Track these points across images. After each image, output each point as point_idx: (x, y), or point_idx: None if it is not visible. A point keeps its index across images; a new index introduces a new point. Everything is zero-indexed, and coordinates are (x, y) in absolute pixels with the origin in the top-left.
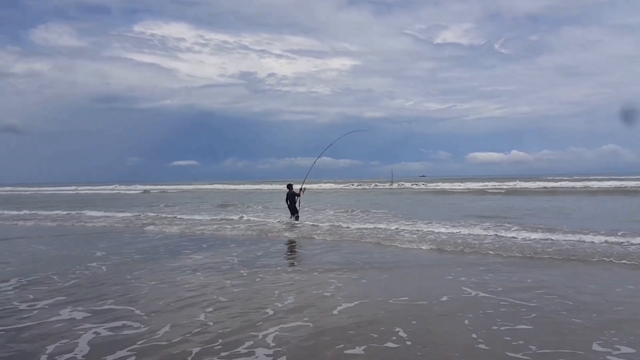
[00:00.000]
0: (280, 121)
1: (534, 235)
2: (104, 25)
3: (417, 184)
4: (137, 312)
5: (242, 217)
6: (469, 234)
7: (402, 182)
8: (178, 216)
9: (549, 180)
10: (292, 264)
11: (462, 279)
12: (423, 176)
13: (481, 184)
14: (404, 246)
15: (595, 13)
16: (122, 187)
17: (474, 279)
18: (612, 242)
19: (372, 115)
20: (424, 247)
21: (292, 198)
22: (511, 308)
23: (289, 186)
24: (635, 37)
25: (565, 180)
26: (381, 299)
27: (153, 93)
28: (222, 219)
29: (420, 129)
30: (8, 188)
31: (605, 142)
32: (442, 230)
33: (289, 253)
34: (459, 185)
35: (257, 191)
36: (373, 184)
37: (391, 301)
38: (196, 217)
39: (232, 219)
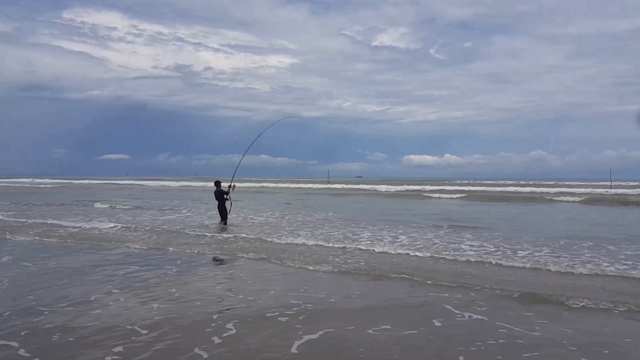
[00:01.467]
0: (217, 116)
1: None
2: (30, 10)
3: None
4: None
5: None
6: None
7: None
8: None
9: (471, 185)
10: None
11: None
12: (359, 177)
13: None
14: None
15: (523, 23)
16: (46, 180)
17: None
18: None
19: (310, 115)
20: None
21: (220, 197)
22: None
23: (217, 183)
24: (560, 47)
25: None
26: None
27: (82, 83)
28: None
29: (358, 129)
30: None
31: (533, 148)
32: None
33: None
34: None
35: (191, 188)
36: (309, 184)
37: None
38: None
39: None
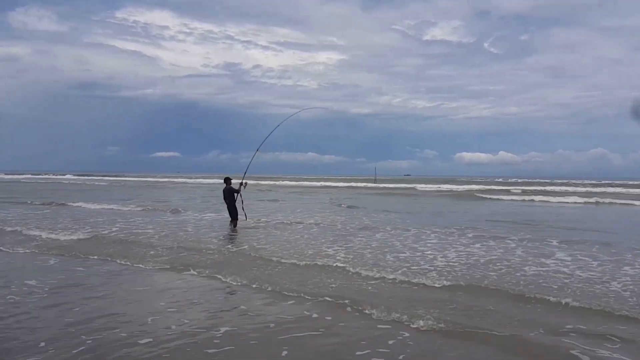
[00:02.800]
0: (265, 114)
1: None
2: (85, 10)
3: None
4: None
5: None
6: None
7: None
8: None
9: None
10: None
11: None
12: (407, 175)
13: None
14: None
15: (583, 14)
16: (94, 177)
17: None
18: None
19: (358, 111)
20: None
21: (230, 196)
22: None
23: (226, 180)
24: (621, 39)
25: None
26: None
27: (134, 81)
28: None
29: (407, 126)
30: None
31: (594, 146)
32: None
33: None
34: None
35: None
36: (352, 182)
37: None
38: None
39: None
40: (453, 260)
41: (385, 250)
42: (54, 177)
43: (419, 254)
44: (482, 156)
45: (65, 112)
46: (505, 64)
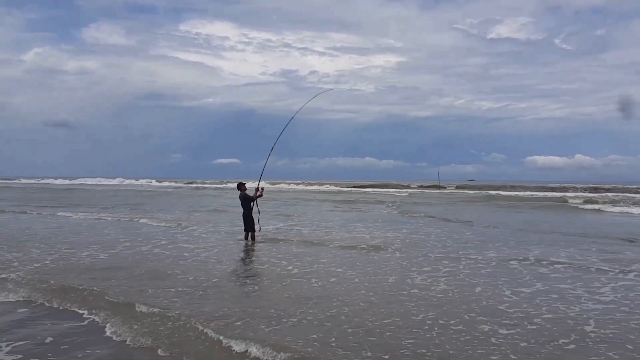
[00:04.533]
0: (321, 120)
1: None
2: (151, 24)
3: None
4: None
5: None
6: None
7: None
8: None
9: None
10: None
11: None
12: (471, 180)
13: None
14: None
15: None
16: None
17: None
18: None
19: (417, 115)
20: None
21: (246, 204)
22: None
23: (240, 186)
24: None
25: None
26: None
27: (197, 91)
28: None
29: (471, 129)
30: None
31: None
32: None
33: None
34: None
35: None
36: (413, 187)
37: None
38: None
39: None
40: None
41: (552, 301)
42: (131, 182)
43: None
44: (556, 159)
45: (133, 122)
46: (579, 61)
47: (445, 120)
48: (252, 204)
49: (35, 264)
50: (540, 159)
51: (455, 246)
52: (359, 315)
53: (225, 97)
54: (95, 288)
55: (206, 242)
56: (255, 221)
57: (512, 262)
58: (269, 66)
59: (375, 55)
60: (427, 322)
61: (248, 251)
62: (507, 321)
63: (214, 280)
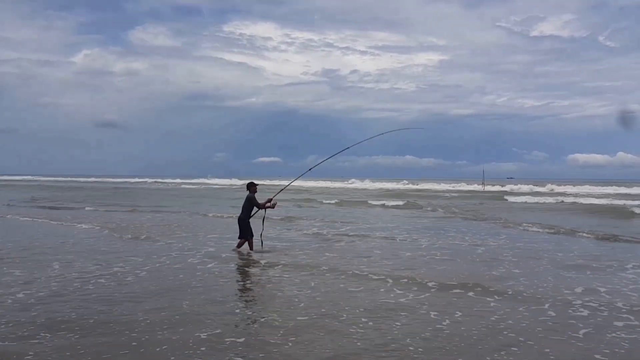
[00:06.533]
0: (362, 118)
1: None
2: (195, 25)
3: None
4: None
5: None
6: None
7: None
8: None
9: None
10: None
11: None
12: (510, 178)
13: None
14: None
15: None
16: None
17: None
18: None
19: (459, 112)
20: None
21: (248, 207)
22: None
23: (249, 186)
24: None
25: None
26: None
27: (240, 91)
28: None
29: (513, 126)
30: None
31: None
32: None
33: None
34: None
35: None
36: (455, 186)
37: None
38: None
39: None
40: None
41: None
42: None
43: None
44: (597, 157)
45: (178, 122)
46: (624, 58)
47: (487, 118)
48: (254, 210)
49: None
50: (582, 157)
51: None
52: None
53: (268, 96)
54: None
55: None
56: (255, 230)
57: None
58: (311, 66)
59: (417, 53)
60: None
61: (246, 274)
62: None
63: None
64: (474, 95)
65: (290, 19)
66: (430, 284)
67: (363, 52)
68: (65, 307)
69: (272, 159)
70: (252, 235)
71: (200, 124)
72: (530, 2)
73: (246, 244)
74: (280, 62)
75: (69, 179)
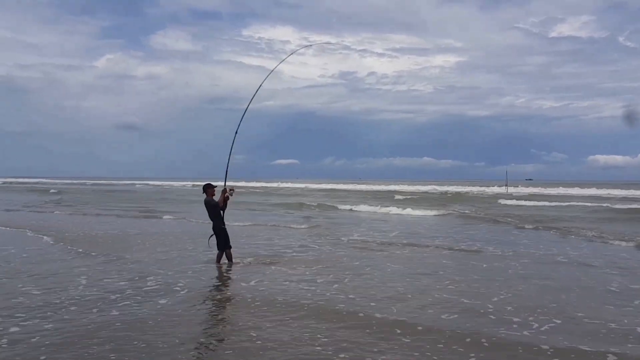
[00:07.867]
0: (379, 120)
1: None
2: (215, 30)
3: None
4: None
5: None
6: None
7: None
8: None
9: None
10: None
11: None
12: (529, 179)
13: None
14: None
15: None
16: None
17: None
18: None
19: (476, 114)
20: None
21: (213, 213)
22: None
23: (206, 188)
24: None
25: None
26: None
27: (258, 94)
28: None
29: (531, 128)
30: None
31: None
32: None
33: None
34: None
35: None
36: (474, 187)
37: None
38: None
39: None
40: None
41: None
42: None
43: None
44: (618, 159)
45: (198, 124)
46: None
47: (505, 119)
48: (222, 213)
49: None
50: (602, 158)
51: None
52: None
53: (285, 99)
54: None
55: None
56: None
57: None
58: (328, 68)
59: (434, 55)
60: None
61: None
62: None
63: None
64: (491, 96)
65: (308, 22)
66: None
67: (380, 55)
68: None
69: (290, 160)
70: (228, 245)
71: (218, 127)
72: (548, 3)
73: (224, 255)
74: (297, 65)
75: (90, 181)
